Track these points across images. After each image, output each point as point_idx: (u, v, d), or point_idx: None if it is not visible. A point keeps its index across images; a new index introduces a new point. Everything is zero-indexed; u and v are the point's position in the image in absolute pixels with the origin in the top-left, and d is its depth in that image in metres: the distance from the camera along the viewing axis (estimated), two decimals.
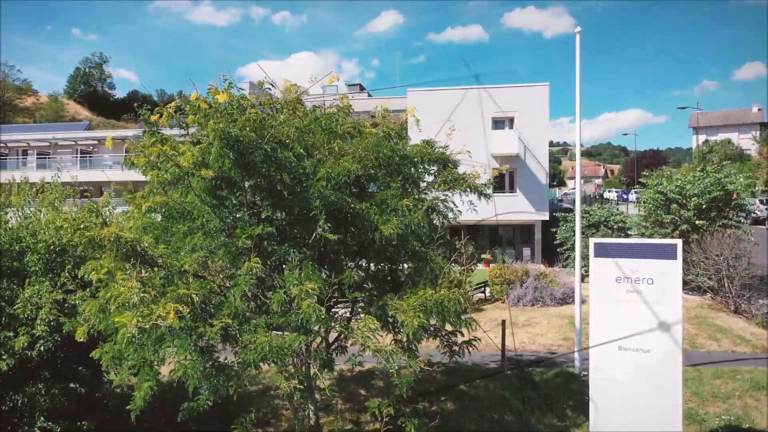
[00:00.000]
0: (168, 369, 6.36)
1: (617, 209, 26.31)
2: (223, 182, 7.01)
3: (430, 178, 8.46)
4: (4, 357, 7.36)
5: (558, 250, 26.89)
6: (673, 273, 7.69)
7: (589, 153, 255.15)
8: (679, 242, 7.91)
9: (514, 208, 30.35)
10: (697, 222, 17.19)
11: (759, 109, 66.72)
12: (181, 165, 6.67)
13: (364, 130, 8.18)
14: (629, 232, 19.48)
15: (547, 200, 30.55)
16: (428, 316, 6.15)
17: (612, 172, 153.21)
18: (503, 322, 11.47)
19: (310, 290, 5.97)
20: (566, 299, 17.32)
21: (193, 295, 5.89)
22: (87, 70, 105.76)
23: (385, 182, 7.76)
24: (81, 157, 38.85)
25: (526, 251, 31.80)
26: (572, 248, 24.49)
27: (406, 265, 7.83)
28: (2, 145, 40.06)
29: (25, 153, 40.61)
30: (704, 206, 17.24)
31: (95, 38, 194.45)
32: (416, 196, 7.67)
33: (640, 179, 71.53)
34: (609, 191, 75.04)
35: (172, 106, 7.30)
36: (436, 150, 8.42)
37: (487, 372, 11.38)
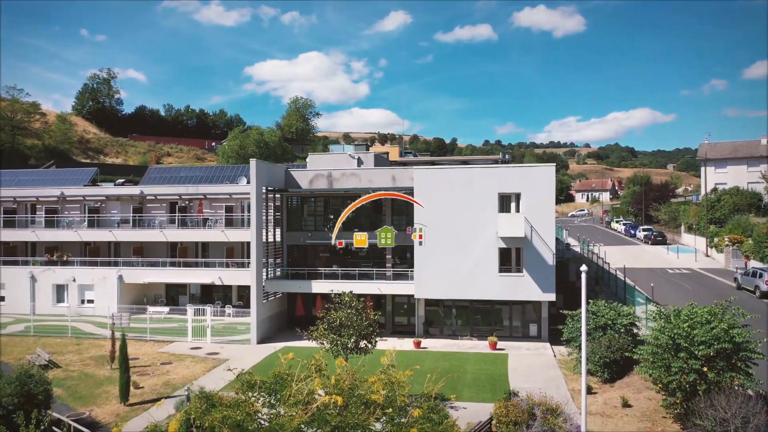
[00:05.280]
0: None
1: (624, 308, 26.07)
2: None
3: None
4: None
5: (564, 345, 26.81)
6: None
7: (597, 155, 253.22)
8: None
9: (520, 287, 30.26)
10: (704, 369, 17.11)
11: None
12: None
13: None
14: (638, 354, 19.13)
15: (554, 282, 30.42)
16: None
17: (620, 181, 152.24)
18: None
19: None
20: None
21: None
22: (95, 86, 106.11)
23: None
24: (89, 216, 39.20)
25: (533, 328, 31.79)
26: (577, 347, 24.34)
27: None
28: (11, 198, 40.41)
29: (33, 208, 40.95)
30: (712, 354, 17.18)
31: (103, 39, 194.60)
32: None
33: (648, 212, 70.18)
34: (617, 221, 74.57)
35: None
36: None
37: None
